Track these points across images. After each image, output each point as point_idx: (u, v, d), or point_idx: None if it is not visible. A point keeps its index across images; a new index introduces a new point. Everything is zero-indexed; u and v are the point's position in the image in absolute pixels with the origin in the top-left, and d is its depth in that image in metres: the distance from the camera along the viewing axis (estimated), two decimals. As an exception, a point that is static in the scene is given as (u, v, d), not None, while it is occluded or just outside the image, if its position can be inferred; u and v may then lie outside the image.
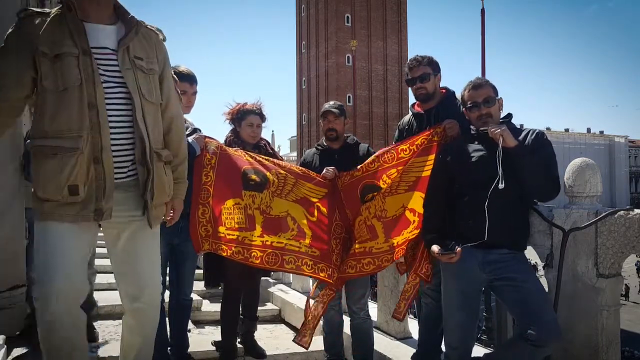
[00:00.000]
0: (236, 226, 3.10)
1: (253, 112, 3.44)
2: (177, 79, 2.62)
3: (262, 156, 3.31)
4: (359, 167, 3.21)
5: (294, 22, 65.36)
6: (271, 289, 5.75)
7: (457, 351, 2.67)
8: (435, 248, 2.61)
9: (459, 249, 2.51)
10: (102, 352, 3.48)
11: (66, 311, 1.97)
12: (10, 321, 3.40)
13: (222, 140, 3.41)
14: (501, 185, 2.44)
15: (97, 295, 5.34)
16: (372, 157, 3.19)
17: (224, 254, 3.06)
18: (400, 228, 3.00)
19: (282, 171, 3.24)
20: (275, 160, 3.33)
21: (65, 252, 1.99)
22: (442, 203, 2.73)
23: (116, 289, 2.32)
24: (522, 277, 2.48)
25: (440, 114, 3.05)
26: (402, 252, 3.01)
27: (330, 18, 57.89)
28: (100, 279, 6.44)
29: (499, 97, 2.67)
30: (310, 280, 5.36)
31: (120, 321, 2.38)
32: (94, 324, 4.36)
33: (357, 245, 3.13)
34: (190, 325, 3.80)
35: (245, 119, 3.43)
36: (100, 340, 4.03)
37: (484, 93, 2.63)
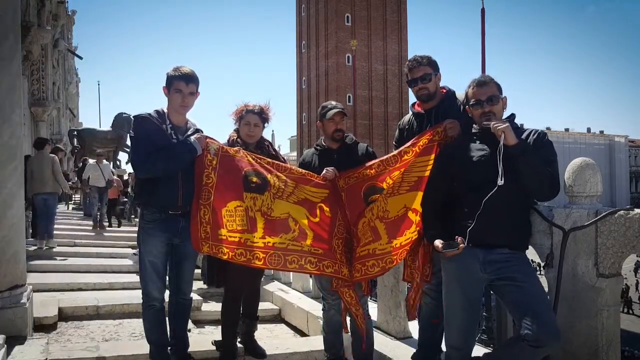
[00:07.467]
0: (238, 228, 3.09)
1: (252, 111, 3.45)
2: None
3: (263, 158, 3.30)
4: (363, 168, 3.20)
5: (294, 22, 65.42)
6: (271, 289, 5.75)
7: (458, 351, 2.67)
8: (438, 243, 2.60)
9: (461, 246, 2.49)
10: (102, 352, 3.48)
11: None
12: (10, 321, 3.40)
13: (223, 140, 3.41)
14: (500, 182, 2.43)
15: (97, 295, 5.34)
16: (377, 161, 3.18)
17: (225, 257, 3.04)
18: (402, 228, 3.00)
19: (282, 175, 3.23)
20: (275, 162, 3.32)
21: None
22: (439, 202, 2.73)
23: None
24: (522, 277, 2.47)
25: (440, 114, 3.05)
26: (406, 252, 3.01)
27: (330, 18, 57.89)
28: (100, 278, 6.44)
29: (503, 96, 2.66)
30: (311, 281, 5.36)
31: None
32: (94, 322, 4.37)
33: (360, 249, 3.12)
34: (190, 325, 3.79)
35: (244, 118, 3.45)
36: (100, 340, 4.03)
37: (488, 91, 2.62)
